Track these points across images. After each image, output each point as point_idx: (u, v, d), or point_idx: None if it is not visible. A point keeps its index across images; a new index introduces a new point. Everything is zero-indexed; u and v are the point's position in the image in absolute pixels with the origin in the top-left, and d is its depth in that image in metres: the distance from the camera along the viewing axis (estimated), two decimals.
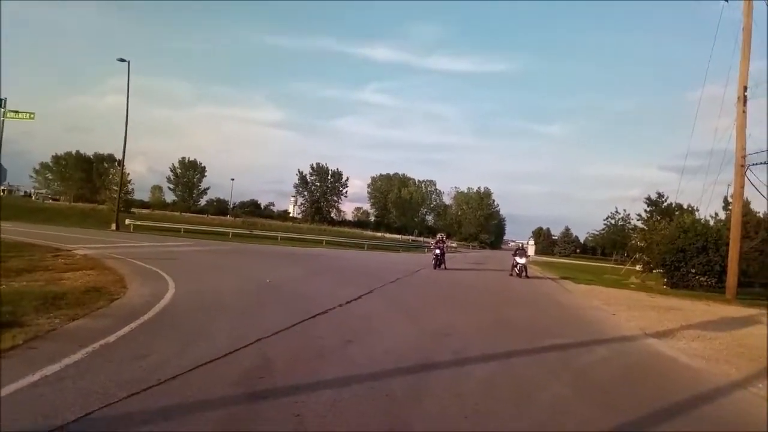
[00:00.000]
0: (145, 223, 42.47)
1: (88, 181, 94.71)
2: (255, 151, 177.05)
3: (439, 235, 28.02)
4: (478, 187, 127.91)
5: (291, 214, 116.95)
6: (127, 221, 40.53)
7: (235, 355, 5.84)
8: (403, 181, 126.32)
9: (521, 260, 25.38)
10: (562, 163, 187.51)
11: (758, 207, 31.80)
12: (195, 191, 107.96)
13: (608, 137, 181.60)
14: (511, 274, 25.15)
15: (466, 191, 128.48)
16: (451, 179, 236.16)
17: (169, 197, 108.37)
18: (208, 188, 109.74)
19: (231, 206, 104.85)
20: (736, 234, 20.53)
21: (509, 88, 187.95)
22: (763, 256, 26.04)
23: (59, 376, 4.61)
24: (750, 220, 28.64)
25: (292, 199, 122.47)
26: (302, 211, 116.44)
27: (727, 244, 21.22)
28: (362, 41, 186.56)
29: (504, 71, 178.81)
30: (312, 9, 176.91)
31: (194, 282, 12.19)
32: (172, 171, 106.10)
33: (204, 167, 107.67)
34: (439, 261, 25.17)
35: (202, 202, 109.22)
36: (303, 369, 5.65)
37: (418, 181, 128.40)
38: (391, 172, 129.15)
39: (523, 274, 24.68)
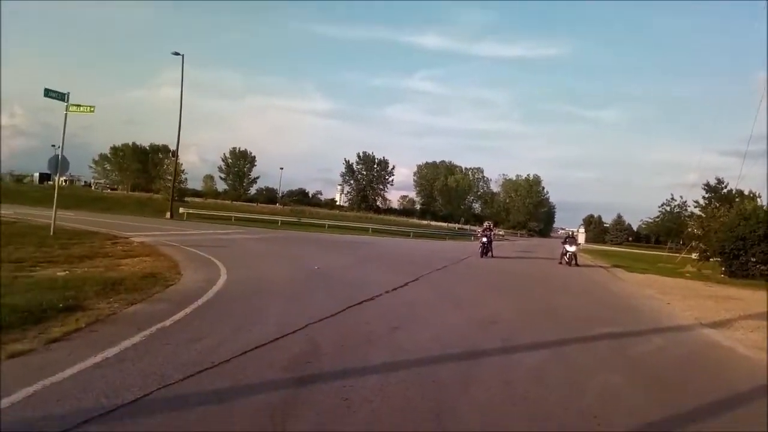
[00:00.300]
0: (197, 212, 43.65)
1: (144, 172, 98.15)
2: (303, 140, 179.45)
3: (486, 223, 27.51)
4: (527, 175, 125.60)
5: (338, 203, 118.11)
6: (180, 210, 41.78)
7: (284, 340, 5.98)
8: (449, 168, 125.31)
9: (571, 248, 24.72)
10: (615, 148, 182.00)
11: None
12: (245, 180, 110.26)
13: (664, 122, 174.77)
14: (561, 263, 24.65)
15: (514, 178, 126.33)
16: (499, 166, 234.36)
17: (221, 186, 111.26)
18: (257, 177, 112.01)
19: (280, 195, 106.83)
20: None
21: (560, 74, 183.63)
22: None
23: (119, 358, 4.83)
24: None
25: (339, 187, 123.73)
26: (349, 200, 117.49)
27: None
28: (411, 29, 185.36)
29: (554, 56, 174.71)
30: None
31: (245, 268, 12.49)
32: (223, 161, 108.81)
33: (254, 157, 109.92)
34: (486, 249, 24.79)
35: (252, 190, 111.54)
36: (350, 354, 5.74)
37: (465, 168, 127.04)
38: (438, 160, 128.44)
39: (573, 262, 24.12)
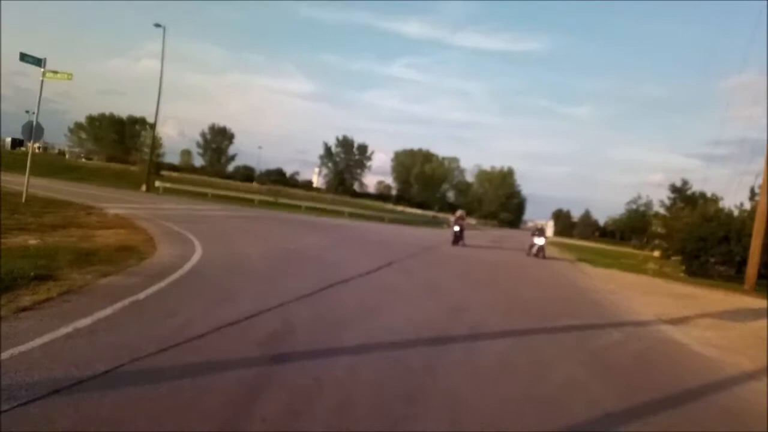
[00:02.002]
0: (174, 186, 42.95)
1: (120, 143, 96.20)
2: (283, 120, 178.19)
3: (458, 212, 27.67)
4: (501, 166, 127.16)
5: (314, 185, 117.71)
6: (157, 183, 41.10)
7: (259, 318, 6.06)
8: (426, 156, 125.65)
9: (539, 241, 25.12)
10: (586, 145, 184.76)
11: None
12: (223, 157, 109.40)
13: (635, 121, 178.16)
14: (529, 254, 25.01)
15: (488, 170, 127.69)
16: (474, 157, 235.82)
17: (198, 162, 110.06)
18: (235, 155, 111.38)
19: (257, 174, 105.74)
20: (760, 226, 20.25)
21: (538, 68, 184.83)
22: None
23: (91, 329, 4.84)
24: None
25: (317, 169, 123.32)
26: (326, 182, 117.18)
27: (750, 235, 20.92)
28: (394, 15, 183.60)
29: (534, 50, 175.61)
30: None
31: (221, 245, 12.47)
32: (201, 136, 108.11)
33: (233, 134, 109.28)
34: (458, 238, 24.98)
35: (230, 168, 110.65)
36: (324, 335, 5.87)
37: (442, 157, 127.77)
38: (416, 148, 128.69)
39: (541, 254, 24.49)
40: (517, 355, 6.24)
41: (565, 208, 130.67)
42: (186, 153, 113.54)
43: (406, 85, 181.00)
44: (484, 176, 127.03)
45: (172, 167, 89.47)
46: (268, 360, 4.70)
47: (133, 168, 53.04)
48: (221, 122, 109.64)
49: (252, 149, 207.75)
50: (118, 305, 5.73)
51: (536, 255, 24.55)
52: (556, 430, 4.04)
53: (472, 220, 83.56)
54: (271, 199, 45.01)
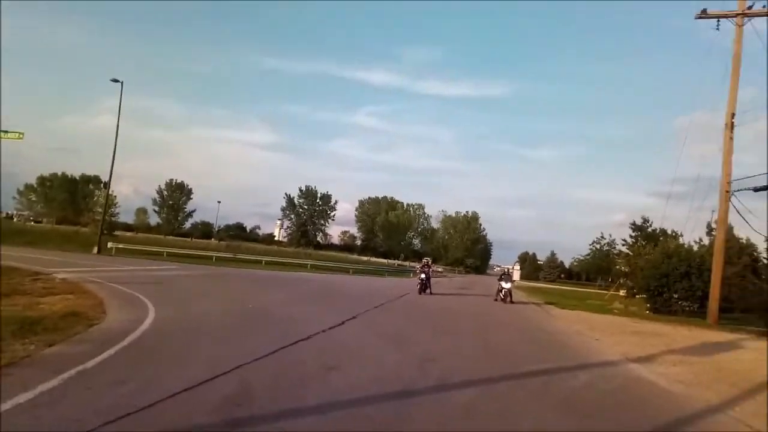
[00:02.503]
0: (127, 246, 41.95)
1: (72, 203, 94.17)
2: (244, 173, 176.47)
3: (424, 260, 27.94)
4: (466, 211, 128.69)
5: (276, 238, 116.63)
6: (109, 244, 40.05)
7: (214, 382, 5.77)
8: (391, 204, 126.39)
9: (506, 285, 25.10)
10: (549, 188, 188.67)
11: (742, 233, 32.33)
12: (180, 214, 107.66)
13: (596, 163, 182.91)
14: (496, 299, 25.00)
15: (453, 215, 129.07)
16: (439, 203, 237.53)
17: (154, 220, 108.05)
18: (193, 211, 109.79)
19: (216, 229, 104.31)
20: (719, 260, 20.82)
21: (501, 113, 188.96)
22: (745, 282, 26.38)
23: (34, 404, 4.50)
24: (733, 246, 29.06)
25: (279, 222, 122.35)
26: (288, 235, 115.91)
27: (710, 270, 21.47)
28: (359, 65, 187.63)
29: (496, 95, 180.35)
30: (310, 32, 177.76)
31: (175, 307, 12.06)
32: (158, 193, 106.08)
33: (190, 189, 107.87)
34: (425, 286, 24.96)
35: (187, 225, 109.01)
36: (284, 396, 5.60)
37: (407, 204, 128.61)
38: (380, 196, 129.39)
39: (508, 299, 24.59)
40: (486, 404, 6.09)
41: (530, 251, 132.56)
42: (141, 211, 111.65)
43: (371, 134, 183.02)
44: (449, 222, 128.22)
45: (127, 227, 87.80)
46: (225, 425, 4.44)
47: (84, 229, 51.53)
48: (179, 177, 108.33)
49: (211, 204, 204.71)
50: (64, 376, 5.37)
51: (503, 300, 24.47)
52: None
53: (438, 268, 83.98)
54: (229, 255, 44.35)
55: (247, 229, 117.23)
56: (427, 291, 24.93)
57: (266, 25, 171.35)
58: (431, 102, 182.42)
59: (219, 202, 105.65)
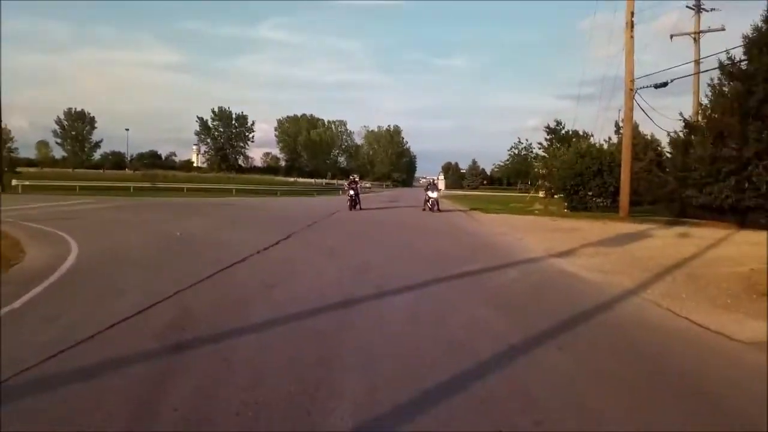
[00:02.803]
0: (35, 183, 39.20)
1: None
2: (149, 97, 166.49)
3: (351, 177, 28.03)
4: (388, 126, 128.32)
5: (195, 164, 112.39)
6: (14, 182, 37.26)
7: (153, 309, 5.70)
8: (311, 122, 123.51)
9: (433, 194, 25.85)
10: (465, 96, 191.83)
11: (646, 129, 34.29)
12: (86, 145, 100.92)
13: (507, 69, 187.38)
14: (424, 209, 25.71)
15: (376, 130, 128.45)
16: (360, 119, 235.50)
17: (59, 153, 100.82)
18: (100, 141, 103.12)
19: (128, 159, 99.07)
20: (627, 156, 22.03)
21: (409, 21, 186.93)
22: (651, 176, 28.21)
23: None
24: (639, 142, 30.81)
25: (195, 147, 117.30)
26: (207, 160, 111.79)
27: (620, 166, 22.74)
28: None
29: (402, 3, 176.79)
30: None
31: (99, 240, 11.58)
32: (57, 124, 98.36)
33: (93, 117, 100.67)
34: (354, 202, 25.41)
35: (96, 156, 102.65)
36: (226, 316, 5.62)
37: (328, 121, 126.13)
38: (299, 114, 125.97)
39: (436, 208, 25.30)
40: (422, 305, 6.40)
41: (453, 161, 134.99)
42: (43, 145, 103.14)
43: (280, 48, 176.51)
44: (372, 137, 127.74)
45: (29, 162, 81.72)
46: (170, 350, 4.43)
47: None
48: (78, 106, 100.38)
49: (119, 133, 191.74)
50: None
51: (431, 209, 25.21)
52: (465, 367, 4.16)
53: (366, 183, 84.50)
54: (148, 185, 42.55)
55: (163, 157, 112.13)
56: (357, 207, 25.35)
57: None
58: (340, 12, 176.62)
59: (127, 129, 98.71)
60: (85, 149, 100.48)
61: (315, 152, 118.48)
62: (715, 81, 21.07)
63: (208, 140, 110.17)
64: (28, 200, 26.16)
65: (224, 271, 8.23)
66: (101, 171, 76.98)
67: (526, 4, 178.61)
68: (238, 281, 7.55)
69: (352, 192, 25.61)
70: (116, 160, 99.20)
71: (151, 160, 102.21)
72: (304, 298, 6.48)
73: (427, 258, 10.74)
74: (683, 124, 23.52)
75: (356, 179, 27.72)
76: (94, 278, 7.45)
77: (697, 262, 10.18)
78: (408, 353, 4.55)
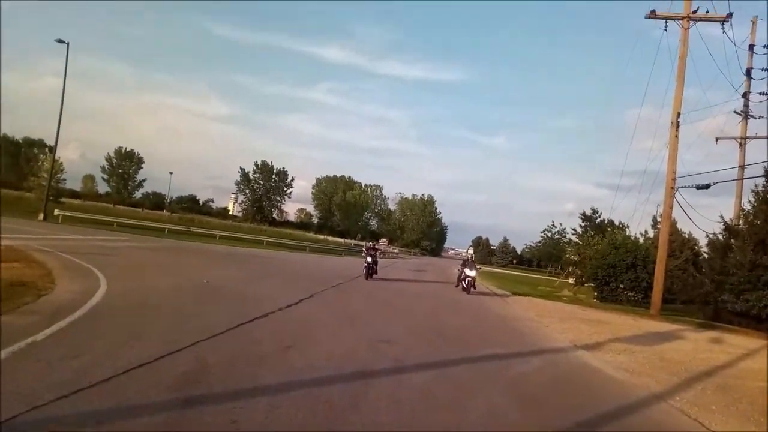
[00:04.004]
0: (75, 215, 40.41)
1: (14, 167, 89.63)
2: (196, 144, 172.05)
3: (380, 241, 26.58)
4: (422, 194, 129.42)
5: (231, 212, 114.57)
6: (56, 211, 38.50)
7: (170, 358, 5.70)
8: (348, 183, 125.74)
9: (471, 272, 21.35)
10: (503, 174, 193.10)
11: (684, 227, 33.77)
12: (130, 183, 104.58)
13: (548, 151, 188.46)
14: (457, 286, 22.62)
15: (410, 197, 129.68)
16: (396, 185, 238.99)
17: (103, 188, 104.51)
18: (144, 180, 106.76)
19: (168, 201, 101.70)
20: (663, 253, 21.64)
21: (457, 98, 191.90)
22: (686, 275, 27.56)
23: None
24: (676, 240, 30.32)
25: (233, 196, 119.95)
26: (243, 210, 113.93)
27: (654, 262, 22.32)
28: (312, 39, 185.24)
29: (453, 81, 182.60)
30: (265, 2, 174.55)
31: (127, 280, 11.78)
32: (107, 160, 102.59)
33: (141, 158, 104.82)
34: (371, 270, 21.82)
35: (138, 194, 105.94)
36: (241, 374, 5.57)
37: (364, 185, 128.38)
38: (337, 175, 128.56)
39: (471, 288, 21.18)
40: (440, 386, 6.22)
41: (484, 235, 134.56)
42: (89, 179, 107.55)
43: (328, 111, 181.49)
44: (406, 204, 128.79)
45: (74, 194, 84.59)
46: (180, 403, 4.39)
47: (28, 195, 49.24)
48: (129, 146, 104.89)
49: (162, 175, 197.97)
50: (13, 348, 5.21)
51: (466, 289, 21.17)
52: None
53: (395, 249, 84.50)
54: (183, 228, 43.37)
55: (201, 202, 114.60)
56: (374, 276, 22.03)
57: None
58: (389, 82, 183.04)
59: (171, 173, 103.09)
60: (129, 187, 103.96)
61: (348, 213, 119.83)
62: (759, 187, 20.89)
63: (247, 191, 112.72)
64: (66, 231, 26.98)
65: (245, 325, 8.22)
66: (140, 210, 79.01)
67: (572, 90, 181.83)
68: (257, 338, 7.52)
69: (369, 258, 21.95)
70: (156, 201, 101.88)
71: (189, 204, 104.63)
72: (320, 365, 6.39)
73: (448, 336, 10.55)
74: (723, 226, 23.16)
75: (374, 246, 24.12)
76: (117, 319, 7.52)
77: (730, 372, 9.75)
78: None
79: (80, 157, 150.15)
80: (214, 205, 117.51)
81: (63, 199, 53.38)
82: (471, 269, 21.52)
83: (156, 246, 25.01)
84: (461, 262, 22.56)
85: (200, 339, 6.73)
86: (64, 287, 9.41)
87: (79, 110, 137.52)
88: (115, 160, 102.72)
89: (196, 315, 8.72)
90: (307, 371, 5.99)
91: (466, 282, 21.26)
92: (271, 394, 5.01)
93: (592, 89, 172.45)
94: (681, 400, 7.01)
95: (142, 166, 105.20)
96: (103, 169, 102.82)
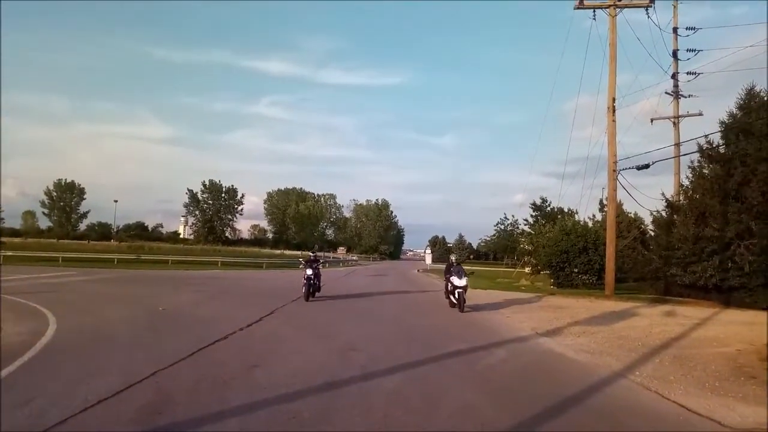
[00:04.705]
0: (17, 254, 38.72)
1: None
2: (141, 169, 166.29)
3: (311, 254, 19.64)
4: (377, 199, 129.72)
5: (182, 236, 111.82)
6: None
7: (130, 391, 5.50)
8: (300, 195, 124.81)
9: (461, 282, 15.31)
10: (454, 172, 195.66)
11: (630, 208, 35.02)
12: (73, 215, 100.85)
13: (495, 147, 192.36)
14: (448, 298, 16.34)
15: (365, 203, 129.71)
16: (350, 192, 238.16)
17: (44, 223, 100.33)
18: (88, 212, 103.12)
19: (115, 230, 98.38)
20: (611, 234, 22.33)
21: (402, 101, 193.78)
22: (636, 253, 28.54)
23: None
24: (623, 220, 31.42)
25: (183, 219, 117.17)
26: (194, 232, 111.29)
27: (605, 244, 23.00)
28: (255, 54, 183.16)
29: (396, 84, 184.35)
30: (201, 21, 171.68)
31: (78, 315, 11.33)
32: (46, 194, 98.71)
33: (83, 189, 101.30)
34: (312, 286, 17.06)
35: (82, 227, 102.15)
36: (206, 399, 5.43)
37: (317, 195, 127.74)
38: (290, 187, 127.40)
39: (462, 303, 15.04)
40: (409, 388, 6.22)
41: (440, 234, 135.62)
42: (29, 214, 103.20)
43: (274, 124, 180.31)
44: (361, 210, 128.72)
45: (14, 233, 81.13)
46: None
47: None
48: (69, 177, 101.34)
49: (108, 204, 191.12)
50: None
51: (457, 305, 15.15)
52: None
53: (353, 256, 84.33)
54: (133, 256, 42.08)
55: (149, 228, 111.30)
56: (314, 294, 17.25)
57: (154, 13, 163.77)
58: (333, 91, 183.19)
59: (116, 201, 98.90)
60: (72, 220, 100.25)
61: (303, 225, 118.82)
62: (695, 163, 21.86)
63: (197, 212, 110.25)
64: (9, 272, 25.71)
65: (205, 349, 8.03)
66: (86, 242, 76.16)
67: (514, 85, 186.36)
68: (219, 360, 7.35)
69: (309, 271, 16.97)
70: (102, 231, 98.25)
71: (138, 231, 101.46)
72: (287, 381, 6.29)
73: (416, 336, 10.56)
74: (665, 203, 24.10)
75: (315, 256, 19.17)
76: (70, 357, 7.22)
77: (684, 343, 10.14)
78: None
79: (18, 194, 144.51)
80: (164, 230, 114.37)
81: (3, 239, 50.96)
82: (460, 277, 15.47)
83: (106, 277, 24.13)
84: (446, 269, 17.26)
85: (160, 368, 6.54)
86: (11, 329, 8.99)
87: (14, 145, 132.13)
88: (55, 193, 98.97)
89: (154, 344, 8.45)
90: (274, 388, 5.88)
91: (456, 294, 15.44)
92: (238, 415, 4.92)
93: (533, 83, 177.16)
94: (641, 374, 7.26)
95: (85, 197, 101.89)
96: (43, 203, 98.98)
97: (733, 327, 12.37)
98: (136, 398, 5.29)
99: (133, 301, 14.71)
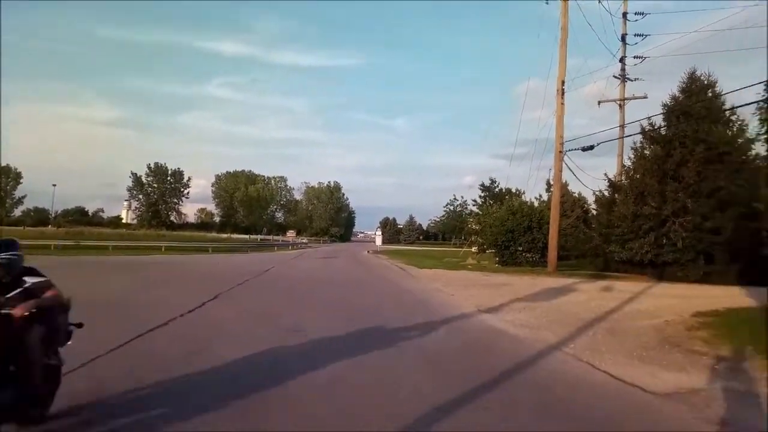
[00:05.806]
0: None
1: None
2: (84, 152, 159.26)
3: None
4: (329, 182, 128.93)
5: (124, 220, 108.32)
6: None
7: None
8: (250, 177, 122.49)
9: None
10: (405, 154, 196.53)
11: (575, 188, 36.06)
12: (8, 201, 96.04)
13: (446, 129, 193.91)
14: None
15: (316, 186, 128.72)
16: (303, 175, 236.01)
17: None
18: (24, 197, 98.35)
19: (53, 215, 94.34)
20: (555, 213, 23.02)
21: (355, 83, 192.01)
22: (578, 232, 29.52)
23: None
24: (567, 200, 32.36)
25: (126, 203, 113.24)
26: (138, 216, 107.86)
27: (549, 223, 23.68)
28: (206, 34, 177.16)
29: (350, 65, 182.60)
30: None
31: None
32: None
33: (19, 173, 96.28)
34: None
35: (17, 212, 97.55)
36: (143, 388, 5.26)
37: (268, 177, 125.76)
38: (241, 170, 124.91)
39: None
40: (352, 365, 6.26)
41: (391, 216, 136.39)
42: None
43: (227, 106, 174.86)
44: (312, 193, 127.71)
45: None
46: (77, 426, 4.17)
47: None
48: (4, 161, 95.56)
49: (47, 188, 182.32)
50: None
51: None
52: None
53: (303, 238, 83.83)
54: (71, 242, 40.43)
55: (90, 213, 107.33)
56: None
57: None
58: (287, 72, 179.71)
59: (54, 185, 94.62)
60: (6, 205, 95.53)
61: (252, 208, 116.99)
62: (638, 144, 22.69)
63: (141, 196, 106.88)
64: None
65: (143, 336, 7.80)
66: (21, 228, 72.86)
67: (466, 68, 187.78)
68: (158, 348, 7.15)
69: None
70: (39, 217, 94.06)
71: (77, 216, 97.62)
72: (230, 366, 6.20)
73: (355, 314, 10.57)
74: (608, 183, 24.95)
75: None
76: None
77: (618, 316, 10.60)
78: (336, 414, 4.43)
79: None
80: (105, 215, 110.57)
81: None
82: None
83: (40, 264, 23.08)
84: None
85: (93, 357, 6.30)
86: None
87: None
88: None
89: (86, 333, 8.06)
90: (215, 374, 5.81)
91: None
92: (176, 401, 4.83)
93: (487, 66, 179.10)
94: (575, 347, 7.56)
95: (21, 181, 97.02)
96: None
97: (665, 300, 13.00)
98: (67, 388, 5.05)
99: (67, 288, 14.06)
